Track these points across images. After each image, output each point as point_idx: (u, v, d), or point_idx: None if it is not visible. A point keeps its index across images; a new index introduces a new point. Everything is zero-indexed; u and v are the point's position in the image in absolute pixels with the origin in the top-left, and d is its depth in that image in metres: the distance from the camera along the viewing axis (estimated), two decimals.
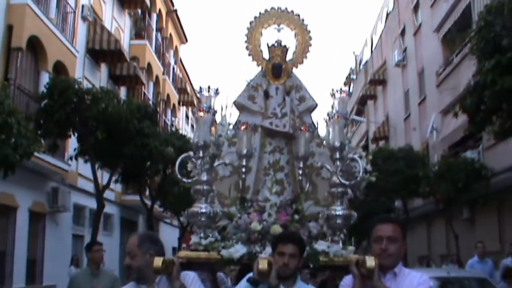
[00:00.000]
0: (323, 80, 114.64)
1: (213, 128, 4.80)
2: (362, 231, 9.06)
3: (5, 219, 14.32)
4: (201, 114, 4.40)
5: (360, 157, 4.71)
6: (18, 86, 14.37)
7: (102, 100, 13.47)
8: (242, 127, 4.60)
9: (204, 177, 4.40)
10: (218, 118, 5.08)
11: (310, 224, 4.60)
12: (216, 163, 4.72)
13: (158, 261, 3.44)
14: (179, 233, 30.82)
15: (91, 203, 18.81)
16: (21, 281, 14.97)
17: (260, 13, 5.25)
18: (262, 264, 3.49)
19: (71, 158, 15.72)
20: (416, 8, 25.84)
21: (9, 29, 14.27)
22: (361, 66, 39.78)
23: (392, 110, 30.59)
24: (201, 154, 4.37)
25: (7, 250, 14.32)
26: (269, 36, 5.25)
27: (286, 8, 5.23)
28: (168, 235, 30.49)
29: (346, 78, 44.81)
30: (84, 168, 17.24)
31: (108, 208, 15.81)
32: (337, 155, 4.34)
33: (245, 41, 5.22)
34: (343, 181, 4.25)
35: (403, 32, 28.08)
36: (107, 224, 20.95)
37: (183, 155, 4.63)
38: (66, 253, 16.58)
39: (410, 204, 22.22)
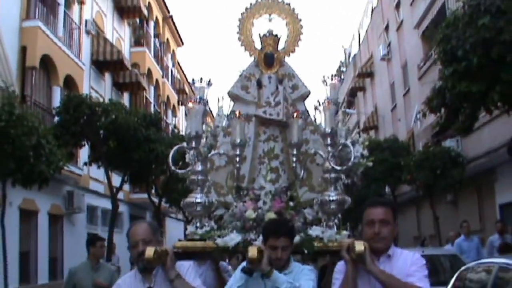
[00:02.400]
0: (316, 71, 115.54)
1: (210, 119, 5.16)
2: (356, 216, 10.22)
3: (28, 223, 15.17)
4: (191, 105, 4.35)
5: (353, 143, 4.74)
6: (34, 102, 15.43)
7: (112, 112, 14.62)
8: (235, 117, 4.52)
9: (198, 167, 4.35)
10: (214, 109, 5.13)
11: (305, 210, 4.58)
12: (210, 153, 4.78)
13: (149, 251, 3.37)
14: (184, 226, 32.26)
15: (103, 203, 20.00)
16: (45, 278, 15.94)
17: (251, 4, 5.23)
18: (252, 252, 3.46)
19: (85, 164, 16.63)
20: (397, 5, 26.43)
21: (23, 50, 15.22)
22: (350, 59, 40.07)
23: (380, 101, 31.22)
24: (193, 145, 4.31)
25: (30, 250, 15.28)
26: (261, 26, 5.22)
27: None
28: (174, 228, 31.85)
29: (337, 71, 45.55)
30: (96, 171, 18.31)
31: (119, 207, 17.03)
32: (328, 141, 4.30)
33: (237, 32, 5.18)
34: (334, 166, 4.21)
35: (387, 28, 28.63)
36: (117, 222, 21.06)
37: (176, 147, 4.61)
38: (82, 250, 17.27)
39: (399, 190, 23.16)
